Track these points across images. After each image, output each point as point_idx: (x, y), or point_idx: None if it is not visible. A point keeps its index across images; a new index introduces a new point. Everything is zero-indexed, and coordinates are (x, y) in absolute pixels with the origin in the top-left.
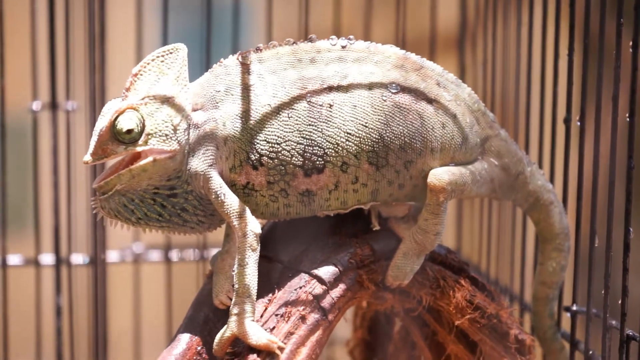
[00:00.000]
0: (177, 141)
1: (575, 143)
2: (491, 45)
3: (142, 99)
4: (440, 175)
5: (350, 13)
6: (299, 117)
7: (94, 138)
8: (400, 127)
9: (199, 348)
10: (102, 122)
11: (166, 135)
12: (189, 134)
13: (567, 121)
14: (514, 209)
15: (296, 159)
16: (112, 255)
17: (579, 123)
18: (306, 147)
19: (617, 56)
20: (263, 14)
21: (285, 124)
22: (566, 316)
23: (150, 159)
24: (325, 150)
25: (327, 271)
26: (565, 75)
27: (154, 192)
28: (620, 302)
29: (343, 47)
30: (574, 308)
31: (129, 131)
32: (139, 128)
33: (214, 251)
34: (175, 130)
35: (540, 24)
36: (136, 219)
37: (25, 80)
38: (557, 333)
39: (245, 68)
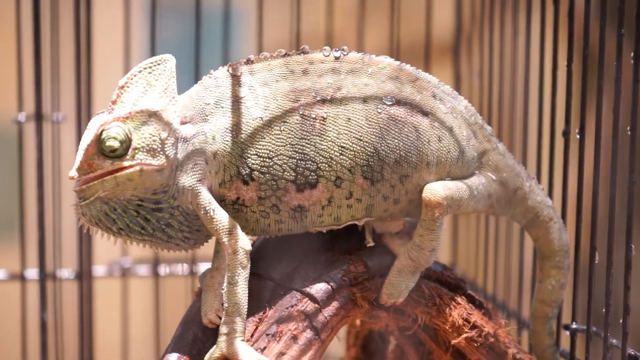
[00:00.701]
0: (165, 155)
1: (574, 156)
2: (488, 54)
3: (129, 112)
4: (435, 189)
5: (343, 19)
6: (292, 131)
7: (80, 153)
8: (396, 141)
9: None
10: (87, 137)
11: (153, 149)
12: (177, 148)
13: (566, 134)
14: (510, 224)
15: (288, 174)
16: (99, 270)
17: (578, 136)
18: (299, 162)
19: (618, 67)
20: (254, 21)
21: (277, 138)
22: (565, 334)
23: (137, 168)
24: (319, 165)
25: (319, 289)
26: (564, 86)
27: (137, 204)
28: (621, 320)
29: (336, 58)
30: (574, 326)
31: (115, 146)
32: (126, 142)
33: (203, 266)
34: (162, 144)
35: (538, 33)
36: (117, 229)
37: (10, 91)
38: (556, 352)
39: (236, 80)
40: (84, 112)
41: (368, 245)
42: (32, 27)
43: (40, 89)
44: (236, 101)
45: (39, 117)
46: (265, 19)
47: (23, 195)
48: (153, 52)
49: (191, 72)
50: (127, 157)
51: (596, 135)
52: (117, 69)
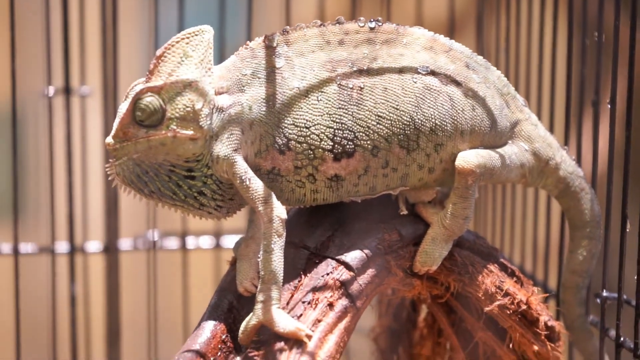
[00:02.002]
0: (198, 126)
1: (605, 126)
2: (514, 27)
3: (164, 82)
4: (468, 157)
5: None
6: (329, 100)
7: (117, 120)
8: (431, 110)
9: (223, 336)
10: (124, 105)
11: (187, 120)
12: (212, 118)
13: (596, 103)
14: (537, 193)
15: (325, 143)
16: (126, 243)
17: (609, 105)
18: (336, 131)
19: (632, 36)
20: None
21: (314, 107)
22: (596, 302)
23: (170, 134)
24: (356, 134)
25: (354, 257)
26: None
27: (169, 170)
28: None
29: (371, 28)
30: (604, 294)
31: (149, 115)
32: (160, 112)
33: (230, 238)
34: (196, 115)
35: (566, 3)
36: (149, 191)
37: (38, 65)
38: (586, 322)
39: (272, 51)
40: (109, 85)
41: (402, 214)
42: (59, 1)
43: (68, 63)
44: (273, 72)
45: (67, 90)
46: None
47: (52, 168)
48: (180, 26)
49: (217, 48)
50: (161, 127)
51: (627, 104)
52: (144, 43)
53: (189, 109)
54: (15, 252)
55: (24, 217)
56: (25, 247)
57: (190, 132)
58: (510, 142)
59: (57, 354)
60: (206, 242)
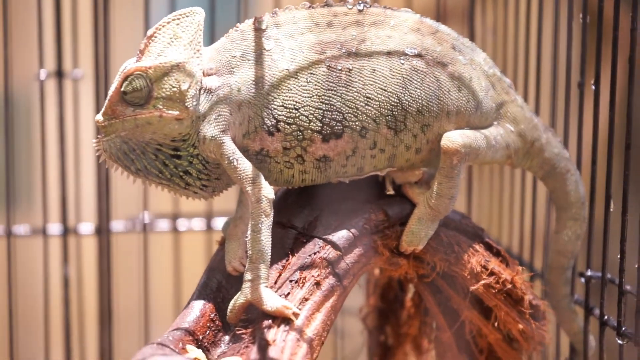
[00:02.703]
0: (184, 106)
1: (589, 107)
2: (502, 10)
3: (152, 62)
4: (453, 137)
5: None
6: (318, 82)
7: (108, 98)
8: (418, 91)
9: (212, 315)
10: (114, 83)
11: (173, 100)
12: (199, 99)
13: (581, 85)
14: (524, 175)
15: (314, 124)
16: (119, 225)
17: (593, 87)
18: (325, 112)
19: (634, 18)
20: None
21: (303, 89)
22: (580, 282)
23: (157, 113)
24: (345, 115)
25: (341, 237)
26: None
27: (156, 148)
28: (636, 266)
29: (360, 11)
30: (589, 273)
31: (136, 94)
32: (146, 91)
33: (222, 220)
34: (183, 95)
35: None
36: (135, 169)
37: (31, 49)
38: (571, 302)
39: (262, 33)
40: (102, 69)
41: (388, 194)
42: None
43: (60, 46)
44: (262, 53)
45: (60, 74)
46: None
47: (45, 151)
48: (171, 8)
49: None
50: (148, 106)
51: (611, 86)
52: (135, 26)
53: (175, 89)
54: (9, 234)
55: (17, 199)
56: (19, 229)
57: (176, 112)
58: (496, 123)
59: (50, 335)
60: (198, 224)
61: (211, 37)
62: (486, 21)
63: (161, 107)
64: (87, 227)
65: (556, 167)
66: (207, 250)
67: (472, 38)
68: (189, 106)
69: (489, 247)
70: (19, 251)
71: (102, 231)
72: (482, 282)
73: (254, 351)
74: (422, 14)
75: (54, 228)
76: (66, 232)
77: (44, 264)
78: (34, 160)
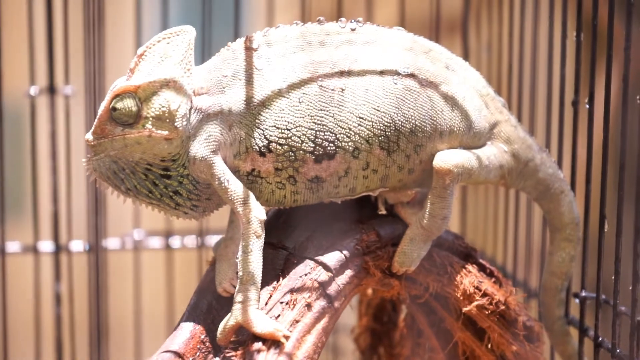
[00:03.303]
0: (174, 126)
1: (583, 126)
2: (497, 27)
3: (141, 82)
4: (446, 157)
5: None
6: (311, 102)
7: (97, 117)
8: (411, 111)
9: (202, 337)
10: (103, 102)
11: (162, 119)
12: (189, 119)
13: (575, 103)
14: (519, 194)
15: (307, 145)
16: (112, 242)
17: (587, 105)
18: (317, 133)
19: (628, 37)
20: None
21: (296, 109)
22: (575, 302)
23: (146, 132)
24: (337, 136)
25: (332, 258)
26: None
27: (146, 168)
28: (630, 288)
29: (352, 29)
30: (583, 294)
31: (125, 114)
32: (135, 111)
33: (215, 238)
34: (172, 115)
35: (547, 3)
36: (125, 189)
37: (22, 65)
38: (565, 324)
39: (254, 52)
40: (95, 85)
41: (380, 214)
42: (44, 1)
43: (52, 62)
44: (254, 73)
45: (51, 90)
46: None
47: (36, 168)
48: (164, 25)
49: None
50: (137, 125)
51: (605, 105)
52: (128, 42)
53: (164, 108)
54: (2, 251)
55: (8, 216)
56: (10, 246)
57: (165, 132)
58: (489, 143)
59: (41, 353)
60: (190, 241)
61: (203, 55)
62: (481, 38)
63: (150, 126)
64: (78, 244)
65: (550, 188)
66: (199, 267)
67: (466, 55)
68: (178, 126)
69: (482, 268)
70: (10, 269)
71: (95, 249)
72: (475, 303)
73: None
74: (416, 30)
75: (46, 245)
76: (58, 249)
77: (34, 281)
78: (25, 176)
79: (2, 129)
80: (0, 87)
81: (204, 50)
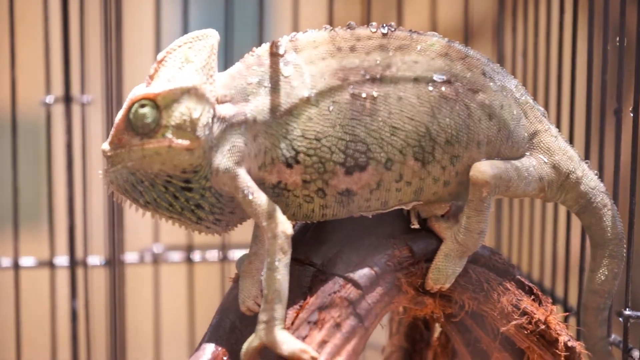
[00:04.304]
0: (195, 136)
1: (627, 135)
2: (532, 33)
3: (161, 89)
4: (483, 168)
5: (380, 1)
6: (341, 111)
7: (114, 126)
8: (447, 119)
9: (225, 358)
10: (121, 111)
11: (183, 128)
12: (211, 128)
13: (618, 112)
14: (557, 207)
15: (337, 156)
16: (130, 256)
17: (632, 114)
18: (348, 143)
19: None
20: (289, 2)
21: (325, 118)
22: (618, 321)
23: (165, 142)
24: (369, 146)
25: (362, 274)
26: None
27: (166, 180)
28: None
29: (384, 34)
30: (627, 312)
31: (143, 123)
32: (155, 120)
33: (237, 252)
34: (193, 124)
35: (587, 9)
36: (144, 202)
37: (38, 73)
38: (607, 345)
39: (280, 58)
40: (113, 94)
41: (413, 229)
42: (59, 8)
43: (68, 71)
44: (280, 80)
45: (67, 99)
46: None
47: (51, 179)
48: (185, 30)
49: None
50: (156, 135)
51: None
52: (147, 50)
53: (185, 117)
54: (16, 265)
55: (23, 229)
56: (25, 261)
57: (186, 142)
58: (528, 154)
59: None
60: (212, 255)
61: (225, 62)
62: (516, 43)
63: (170, 136)
64: (95, 259)
65: (592, 202)
66: (222, 282)
67: (500, 60)
68: (200, 135)
69: (520, 285)
70: (25, 284)
71: (115, 262)
72: (514, 322)
73: None
74: (448, 35)
75: (62, 260)
76: (74, 264)
77: (50, 297)
78: (41, 188)
79: (17, 138)
80: (14, 95)
81: (227, 57)
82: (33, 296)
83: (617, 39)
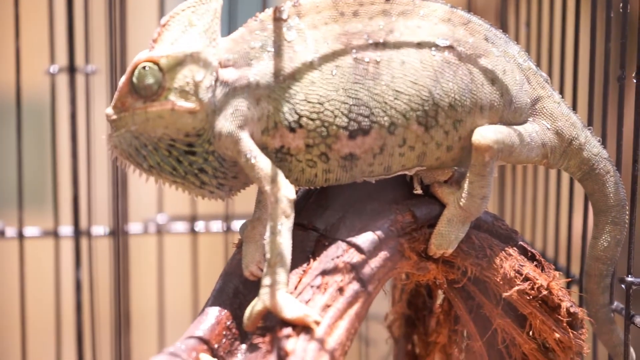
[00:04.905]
0: (198, 98)
1: (630, 102)
2: (536, 2)
3: (164, 51)
4: (486, 133)
5: None
6: (344, 75)
7: (117, 90)
8: (450, 84)
9: (228, 322)
10: (124, 75)
11: (186, 91)
12: (214, 91)
13: (622, 79)
14: (560, 174)
15: (340, 120)
16: (134, 227)
17: (635, 80)
18: (352, 107)
19: None
20: None
21: (328, 82)
22: (620, 288)
23: (168, 106)
24: (372, 110)
25: (365, 239)
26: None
27: (169, 144)
28: None
29: (387, 0)
30: (629, 279)
31: (146, 85)
32: (158, 83)
33: (241, 222)
34: (196, 86)
35: None
36: (148, 166)
37: (42, 44)
38: (609, 312)
39: (283, 23)
40: (117, 64)
41: (416, 194)
42: None
43: (72, 41)
44: (283, 45)
45: (72, 69)
46: None
47: (56, 150)
48: None
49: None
50: (159, 98)
51: None
52: (151, 20)
53: (188, 79)
54: (20, 235)
55: (28, 200)
56: (30, 231)
57: (189, 105)
58: (531, 119)
59: (62, 340)
60: (216, 225)
61: (229, 28)
62: (519, 13)
63: (173, 99)
64: (99, 229)
65: (595, 168)
66: (225, 253)
67: (504, 30)
68: (203, 98)
69: (523, 251)
70: (30, 254)
71: (118, 233)
72: (516, 288)
73: None
74: (452, 3)
75: (66, 230)
76: (78, 234)
77: (55, 266)
78: (45, 159)
79: (21, 109)
80: (18, 66)
81: (230, 23)
82: (37, 266)
83: (621, 5)
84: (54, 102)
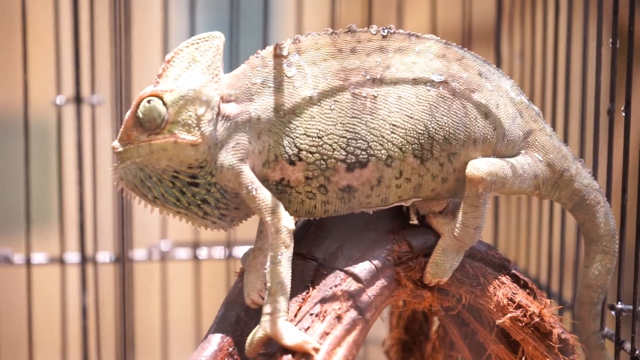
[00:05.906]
0: (200, 131)
1: (619, 135)
2: (530, 34)
3: (168, 86)
4: (479, 165)
5: (381, 4)
6: (342, 109)
7: (123, 123)
8: (445, 118)
9: (230, 349)
10: (130, 108)
11: (189, 124)
12: (216, 125)
13: (611, 112)
14: (552, 205)
15: (338, 153)
16: (138, 253)
17: (623, 113)
18: (349, 141)
19: None
20: (292, 6)
21: (327, 117)
22: (611, 315)
23: (171, 139)
24: (370, 144)
25: (363, 268)
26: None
27: (173, 176)
28: None
29: (384, 36)
30: (619, 306)
31: (150, 119)
32: (162, 117)
33: (243, 249)
34: (199, 120)
35: (582, 11)
36: (152, 197)
37: (49, 75)
38: (600, 338)
39: (284, 59)
40: (123, 95)
41: (412, 224)
42: (70, 10)
43: (78, 72)
44: (284, 80)
45: (78, 99)
46: (303, 3)
47: (62, 178)
48: (192, 33)
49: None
50: (163, 131)
51: None
52: (155, 52)
53: (191, 113)
54: (28, 262)
55: (35, 227)
56: (36, 258)
57: (191, 138)
58: (523, 152)
59: None
60: (218, 252)
61: (231, 64)
62: (513, 45)
63: (176, 132)
64: (105, 255)
65: (586, 199)
66: (227, 279)
67: (498, 62)
68: (205, 132)
69: (516, 279)
70: (36, 280)
71: (121, 259)
72: (509, 315)
73: None
74: (447, 37)
75: (72, 256)
76: (84, 260)
77: (61, 292)
78: (51, 187)
79: (29, 138)
80: (26, 96)
81: (232, 59)
82: (44, 292)
83: (610, 40)
84: (60, 132)
